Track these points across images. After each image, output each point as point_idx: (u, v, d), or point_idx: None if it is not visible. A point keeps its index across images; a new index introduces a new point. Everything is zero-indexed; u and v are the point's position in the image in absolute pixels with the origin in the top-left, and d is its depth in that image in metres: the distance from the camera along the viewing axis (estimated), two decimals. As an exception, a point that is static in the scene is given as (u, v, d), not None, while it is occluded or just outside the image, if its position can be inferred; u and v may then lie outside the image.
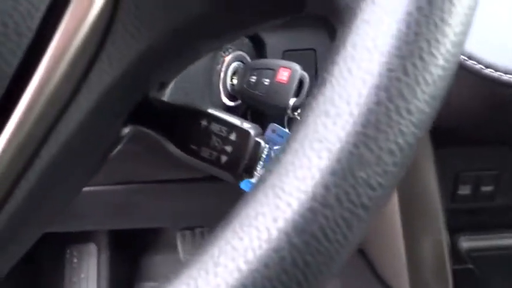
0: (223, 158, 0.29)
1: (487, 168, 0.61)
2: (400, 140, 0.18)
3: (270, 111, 0.49)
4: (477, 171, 0.62)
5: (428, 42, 0.17)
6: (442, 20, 0.18)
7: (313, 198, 0.18)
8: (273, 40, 0.55)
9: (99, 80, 0.22)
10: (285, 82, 0.47)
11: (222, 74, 0.50)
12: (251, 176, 0.30)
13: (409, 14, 0.18)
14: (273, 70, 0.47)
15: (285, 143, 0.20)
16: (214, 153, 0.29)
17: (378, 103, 0.18)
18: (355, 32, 0.19)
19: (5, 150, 0.20)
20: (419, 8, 0.18)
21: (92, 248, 1.18)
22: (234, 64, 0.51)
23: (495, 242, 0.72)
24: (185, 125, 0.30)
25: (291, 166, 0.19)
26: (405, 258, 0.64)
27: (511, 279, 0.74)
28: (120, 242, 1.18)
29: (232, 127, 0.29)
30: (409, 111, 0.18)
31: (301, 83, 0.47)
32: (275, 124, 0.55)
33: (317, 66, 0.56)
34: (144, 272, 1.19)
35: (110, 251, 1.17)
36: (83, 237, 1.17)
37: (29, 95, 0.20)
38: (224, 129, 0.29)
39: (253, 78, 0.48)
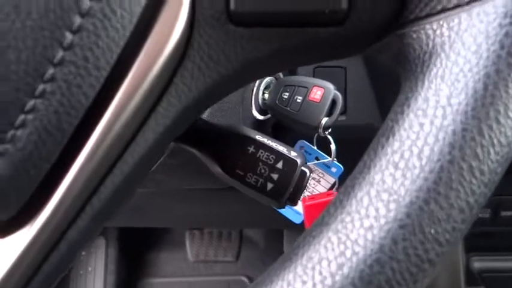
0: (269, 186, 0.29)
1: (507, 193, 0.62)
2: (471, 199, 0.18)
3: (301, 129, 0.49)
4: (497, 196, 0.62)
5: (505, 105, 0.18)
6: None
7: (381, 249, 0.18)
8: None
9: (166, 113, 0.22)
10: (317, 101, 0.47)
11: (254, 89, 0.50)
12: (294, 203, 0.30)
13: (487, 75, 0.18)
14: (306, 88, 0.48)
15: (346, 185, 0.21)
16: (261, 180, 0.29)
17: (451, 161, 0.18)
18: (427, 86, 0.19)
19: (76, 178, 0.21)
20: (498, 71, 0.18)
21: (101, 241, 1.18)
22: (267, 79, 0.51)
23: (507, 264, 0.72)
24: (232, 149, 0.30)
25: (356, 214, 0.19)
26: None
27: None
28: (128, 237, 1.19)
29: (279, 155, 0.29)
30: (482, 172, 0.18)
31: (333, 102, 0.47)
32: (304, 141, 0.55)
33: (347, 84, 0.57)
34: (150, 269, 1.19)
35: (118, 245, 1.18)
36: (92, 231, 1.17)
37: (101, 126, 0.21)
38: (272, 157, 0.29)
39: (286, 95, 0.48)
